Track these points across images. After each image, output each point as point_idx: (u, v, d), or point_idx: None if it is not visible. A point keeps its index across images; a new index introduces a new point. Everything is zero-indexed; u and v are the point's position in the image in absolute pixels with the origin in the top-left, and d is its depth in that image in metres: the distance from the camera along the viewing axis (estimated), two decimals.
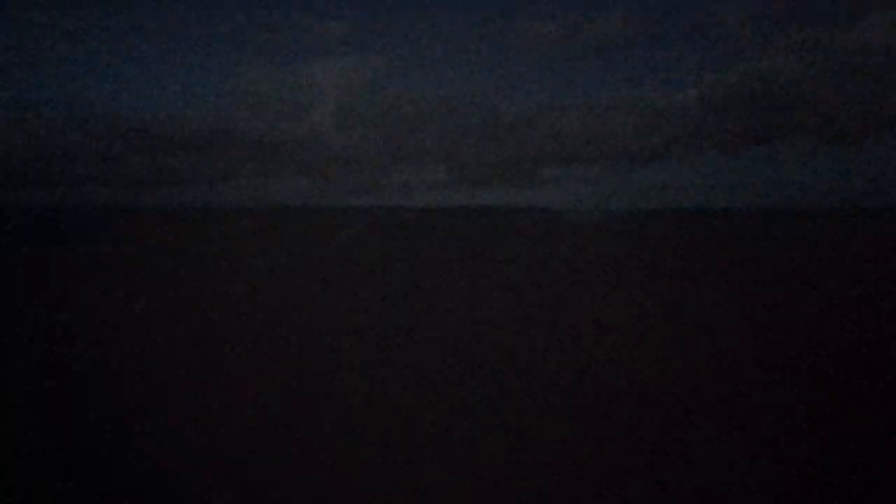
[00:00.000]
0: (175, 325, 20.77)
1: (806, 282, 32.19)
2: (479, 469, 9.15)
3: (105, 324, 20.94)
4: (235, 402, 12.45)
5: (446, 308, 24.14)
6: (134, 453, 9.76)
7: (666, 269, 37.98)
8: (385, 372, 14.94)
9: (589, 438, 10.28)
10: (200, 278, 33.53)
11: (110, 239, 77.95)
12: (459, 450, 9.91)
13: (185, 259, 45.90)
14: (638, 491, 8.35)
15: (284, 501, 8.06)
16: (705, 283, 31.11)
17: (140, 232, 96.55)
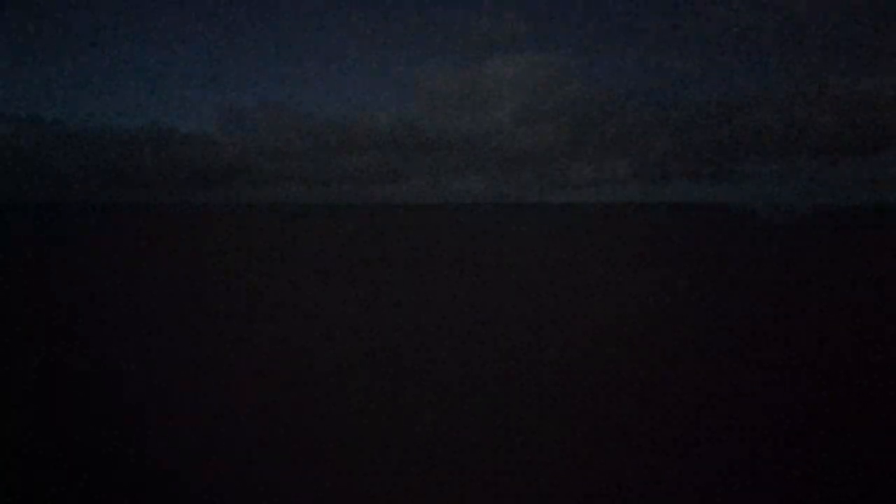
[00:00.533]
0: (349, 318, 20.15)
1: None
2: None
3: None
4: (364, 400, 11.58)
5: (612, 313, 21.47)
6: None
7: (874, 273, 32.28)
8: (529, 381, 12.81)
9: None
10: (378, 273, 33.46)
11: (294, 234, 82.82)
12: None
13: (366, 253, 46.70)
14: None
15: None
16: None
17: (328, 227, 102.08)
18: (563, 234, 79.78)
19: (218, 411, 11.85)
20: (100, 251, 51.33)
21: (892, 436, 10.58)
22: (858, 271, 35.06)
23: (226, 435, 10.62)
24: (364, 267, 39.12)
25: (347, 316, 22.26)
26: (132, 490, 8.34)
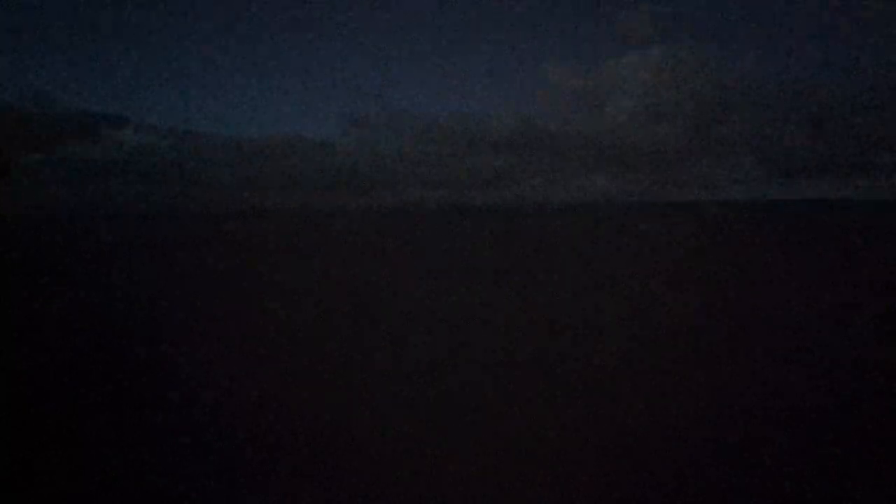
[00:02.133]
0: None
1: None
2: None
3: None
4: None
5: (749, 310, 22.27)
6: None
7: None
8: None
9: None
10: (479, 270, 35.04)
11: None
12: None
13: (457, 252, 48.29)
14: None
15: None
16: None
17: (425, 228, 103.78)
18: (686, 233, 78.43)
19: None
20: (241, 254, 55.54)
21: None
22: None
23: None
24: (501, 268, 40.39)
25: (490, 317, 23.53)
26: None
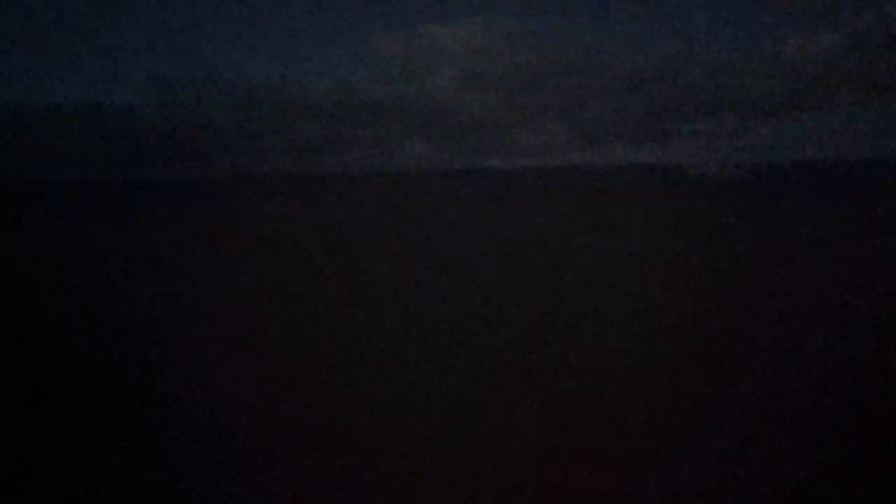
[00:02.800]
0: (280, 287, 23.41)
1: None
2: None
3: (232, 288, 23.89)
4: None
5: (564, 272, 25.50)
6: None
7: (796, 224, 37.29)
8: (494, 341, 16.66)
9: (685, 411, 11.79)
10: (314, 243, 36.21)
11: (230, 208, 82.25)
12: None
13: (306, 226, 48.94)
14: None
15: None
16: (834, 239, 30.62)
17: (265, 200, 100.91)
18: (512, 200, 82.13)
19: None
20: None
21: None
22: (779, 224, 40.16)
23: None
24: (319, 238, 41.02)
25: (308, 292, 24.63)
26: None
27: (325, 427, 10.24)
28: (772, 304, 17.88)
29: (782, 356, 13.23)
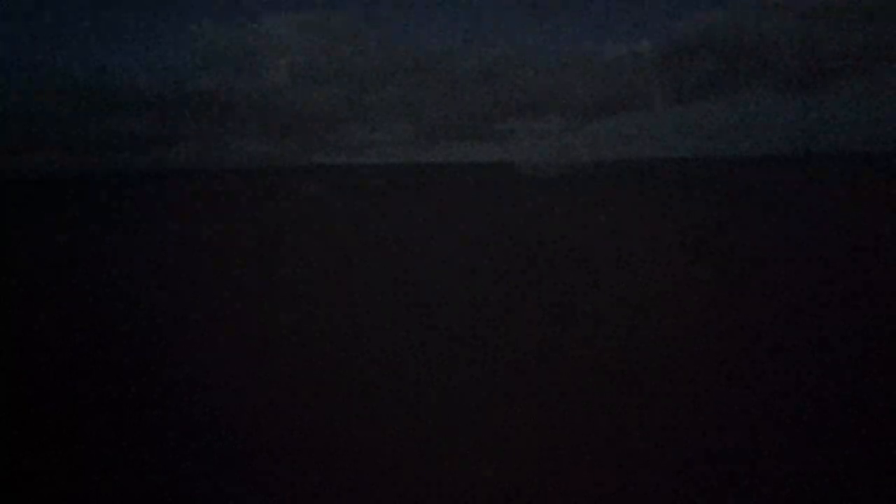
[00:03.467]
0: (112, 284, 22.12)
1: (770, 225, 34.52)
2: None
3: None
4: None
5: (409, 268, 25.72)
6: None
7: (626, 218, 40.08)
8: (344, 338, 16.53)
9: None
10: (149, 242, 34.49)
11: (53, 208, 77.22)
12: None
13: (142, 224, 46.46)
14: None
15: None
16: (665, 231, 33.20)
17: (89, 199, 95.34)
18: (335, 199, 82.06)
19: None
20: None
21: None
22: (605, 220, 42.84)
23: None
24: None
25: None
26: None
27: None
28: (587, 290, 18.99)
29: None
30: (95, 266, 26.65)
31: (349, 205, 61.49)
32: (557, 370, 12.24)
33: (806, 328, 15.07)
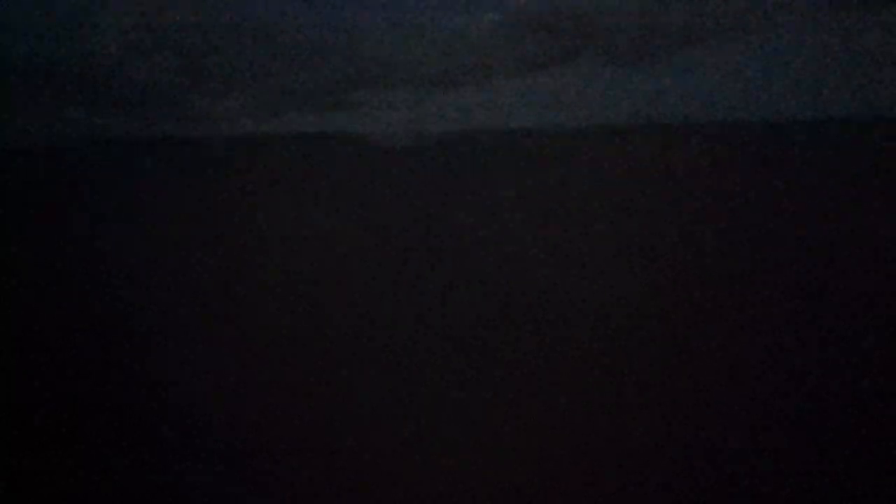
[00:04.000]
0: None
1: (603, 194, 36.09)
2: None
3: None
4: None
5: (256, 245, 24.61)
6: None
7: (483, 191, 40.58)
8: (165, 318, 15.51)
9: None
10: None
11: None
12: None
13: None
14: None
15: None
16: (507, 203, 33.88)
17: None
18: (190, 171, 78.50)
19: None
20: None
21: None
22: (456, 192, 43.15)
23: None
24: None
25: None
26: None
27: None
28: (444, 262, 19.00)
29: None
30: None
31: (184, 180, 58.05)
32: (400, 346, 11.93)
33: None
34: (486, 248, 22.09)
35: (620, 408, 10.10)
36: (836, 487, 8.14)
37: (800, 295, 16.12)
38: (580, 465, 8.55)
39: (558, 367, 11.56)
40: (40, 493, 7.87)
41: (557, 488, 7.74)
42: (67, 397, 10.81)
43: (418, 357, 12.07)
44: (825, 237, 23.67)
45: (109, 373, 11.68)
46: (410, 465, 8.65)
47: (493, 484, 8.14)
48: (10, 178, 75.82)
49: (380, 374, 11.23)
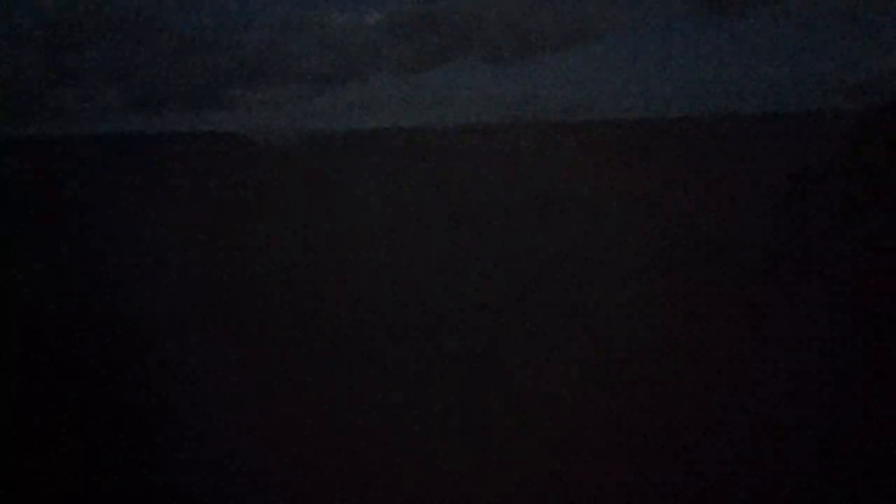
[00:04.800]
0: None
1: (496, 189, 37.36)
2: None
3: None
4: None
5: (129, 251, 24.18)
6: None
7: (360, 189, 40.99)
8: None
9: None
10: None
11: None
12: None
13: None
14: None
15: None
16: (399, 202, 34.50)
17: None
18: (58, 171, 75.05)
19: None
20: None
21: None
22: (343, 190, 43.40)
23: None
24: None
25: None
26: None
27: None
28: (329, 266, 19.46)
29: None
30: None
31: (50, 181, 55.19)
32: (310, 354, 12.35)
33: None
34: (369, 244, 22.71)
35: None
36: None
37: (673, 290, 17.68)
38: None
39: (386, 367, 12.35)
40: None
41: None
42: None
43: (290, 365, 12.66)
44: (687, 224, 25.81)
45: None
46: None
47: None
48: None
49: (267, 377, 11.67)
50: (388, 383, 10.81)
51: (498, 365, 11.52)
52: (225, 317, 14.92)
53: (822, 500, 8.82)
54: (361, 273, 18.77)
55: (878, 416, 11.56)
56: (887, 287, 17.47)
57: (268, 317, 14.56)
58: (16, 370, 12.20)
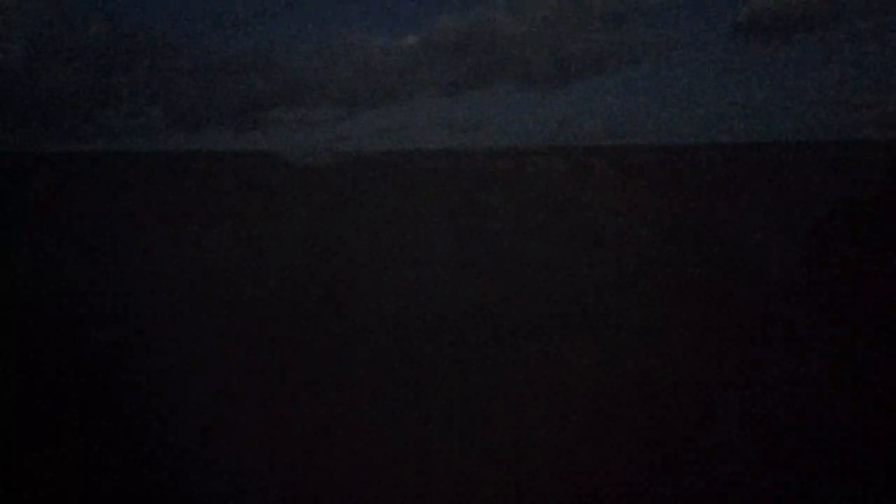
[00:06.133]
0: None
1: (526, 212, 37.65)
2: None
3: None
4: None
5: (171, 265, 24.86)
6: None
7: (399, 210, 41.55)
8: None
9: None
10: None
11: None
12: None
13: None
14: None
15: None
16: (432, 223, 34.96)
17: None
18: (108, 187, 76.82)
19: None
20: None
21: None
22: (372, 212, 44.05)
23: None
24: None
25: None
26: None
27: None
28: (363, 284, 19.90)
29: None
30: None
31: (98, 195, 56.78)
32: (328, 370, 12.72)
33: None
34: (403, 264, 23.10)
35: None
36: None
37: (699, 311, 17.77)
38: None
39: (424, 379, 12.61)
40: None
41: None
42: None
43: (335, 383, 12.91)
44: (716, 252, 25.86)
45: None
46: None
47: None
48: None
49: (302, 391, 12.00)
50: (410, 406, 10.98)
51: (530, 390, 11.70)
52: (251, 328, 15.42)
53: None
54: (395, 293, 19.22)
55: None
56: None
57: (298, 333, 15.00)
58: (41, 378, 12.49)
